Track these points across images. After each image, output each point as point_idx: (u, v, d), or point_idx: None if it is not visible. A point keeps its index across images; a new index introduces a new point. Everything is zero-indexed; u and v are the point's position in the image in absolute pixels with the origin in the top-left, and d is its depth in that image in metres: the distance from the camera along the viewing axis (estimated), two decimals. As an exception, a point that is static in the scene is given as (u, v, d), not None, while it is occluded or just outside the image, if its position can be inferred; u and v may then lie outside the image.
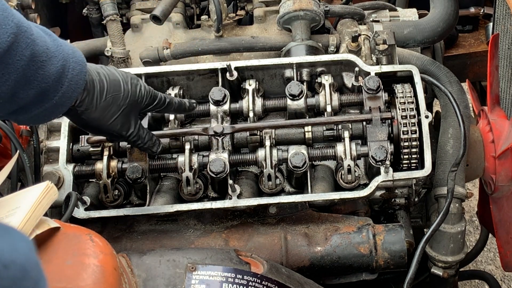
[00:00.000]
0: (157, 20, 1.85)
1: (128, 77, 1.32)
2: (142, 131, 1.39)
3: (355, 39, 1.80)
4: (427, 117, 1.57)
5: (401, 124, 1.55)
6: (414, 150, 1.55)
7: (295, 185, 1.64)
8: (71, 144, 1.61)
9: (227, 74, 1.64)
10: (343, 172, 1.56)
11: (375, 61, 1.75)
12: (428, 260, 1.72)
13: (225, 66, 1.63)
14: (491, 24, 1.97)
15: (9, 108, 1.11)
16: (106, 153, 1.57)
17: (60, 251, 1.01)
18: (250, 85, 1.65)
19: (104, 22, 1.95)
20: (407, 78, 1.65)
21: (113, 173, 1.56)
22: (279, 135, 1.61)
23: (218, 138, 1.57)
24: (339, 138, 1.60)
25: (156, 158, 1.59)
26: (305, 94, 1.61)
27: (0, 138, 1.55)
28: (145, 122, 1.50)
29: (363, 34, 1.85)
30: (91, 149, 1.59)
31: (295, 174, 1.57)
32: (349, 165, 1.54)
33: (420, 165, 1.57)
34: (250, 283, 1.23)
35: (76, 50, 1.19)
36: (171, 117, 1.62)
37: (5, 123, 1.53)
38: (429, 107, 2.12)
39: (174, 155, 1.59)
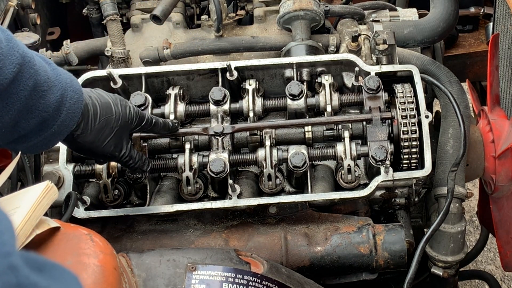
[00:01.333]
0: (157, 20, 1.85)
1: (117, 99, 1.33)
2: (133, 151, 1.40)
3: (355, 39, 1.80)
4: (427, 117, 1.57)
5: (401, 124, 1.55)
6: (414, 150, 1.55)
7: (295, 185, 1.64)
8: (71, 144, 1.61)
9: (227, 74, 1.64)
10: (343, 172, 1.56)
11: (375, 61, 1.74)
12: (428, 260, 1.72)
13: (225, 66, 1.63)
14: (491, 24, 1.97)
15: (9, 137, 1.12)
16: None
17: (60, 251, 1.00)
18: (250, 85, 1.65)
19: (104, 22, 1.95)
20: (407, 78, 1.65)
21: (113, 173, 1.56)
22: (279, 135, 1.61)
23: (218, 138, 1.57)
24: (339, 138, 1.60)
25: (156, 158, 1.59)
26: (305, 94, 1.60)
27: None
28: None
29: (363, 34, 1.85)
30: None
31: (295, 174, 1.57)
32: (349, 165, 1.54)
33: (420, 165, 1.57)
34: (250, 283, 1.23)
35: (73, 79, 1.20)
36: (171, 116, 1.62)
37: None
38: (429, 107, 2.12)
39: (174, 155, 1.59)
